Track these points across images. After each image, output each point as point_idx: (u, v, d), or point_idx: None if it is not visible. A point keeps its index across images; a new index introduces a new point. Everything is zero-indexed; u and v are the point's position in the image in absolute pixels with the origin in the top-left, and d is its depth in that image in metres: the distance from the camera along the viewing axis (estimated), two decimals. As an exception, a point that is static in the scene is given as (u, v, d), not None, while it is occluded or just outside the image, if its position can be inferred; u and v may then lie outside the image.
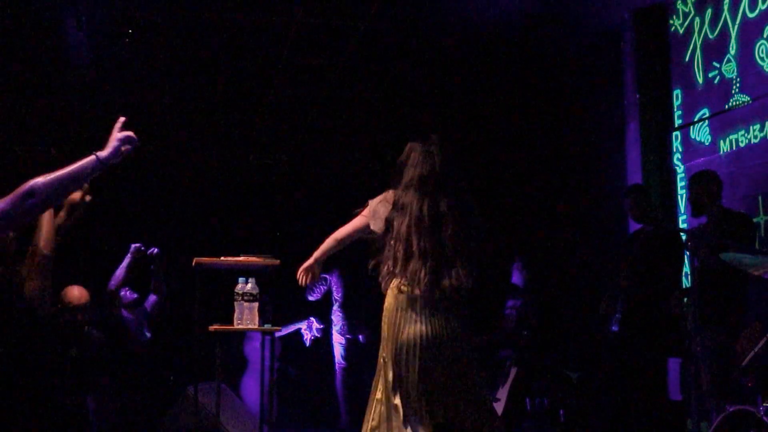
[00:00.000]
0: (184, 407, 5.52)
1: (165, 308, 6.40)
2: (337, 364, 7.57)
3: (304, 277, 3.73)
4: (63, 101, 7.53)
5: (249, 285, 4.42)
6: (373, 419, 3.36)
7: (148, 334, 6.14)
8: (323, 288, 7.63)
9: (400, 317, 3.34)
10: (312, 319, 7.89)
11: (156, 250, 6.14)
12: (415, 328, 3.30)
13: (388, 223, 3.43)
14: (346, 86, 7.62)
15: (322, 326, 7.83)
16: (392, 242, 3.39)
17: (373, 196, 3.53)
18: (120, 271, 5.90)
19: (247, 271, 4.51)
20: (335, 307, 7.57)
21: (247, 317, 4.39)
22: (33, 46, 6.47)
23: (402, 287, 3.36)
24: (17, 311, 3.37)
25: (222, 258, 4.58)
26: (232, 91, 7.71)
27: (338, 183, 8.50)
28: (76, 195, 3.88)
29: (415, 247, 3.32)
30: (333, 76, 7.36)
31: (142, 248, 5.99)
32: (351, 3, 6.06)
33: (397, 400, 3.30)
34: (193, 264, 4.57)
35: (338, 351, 7.52)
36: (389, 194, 3.50)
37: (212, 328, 4.43)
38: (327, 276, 7.54)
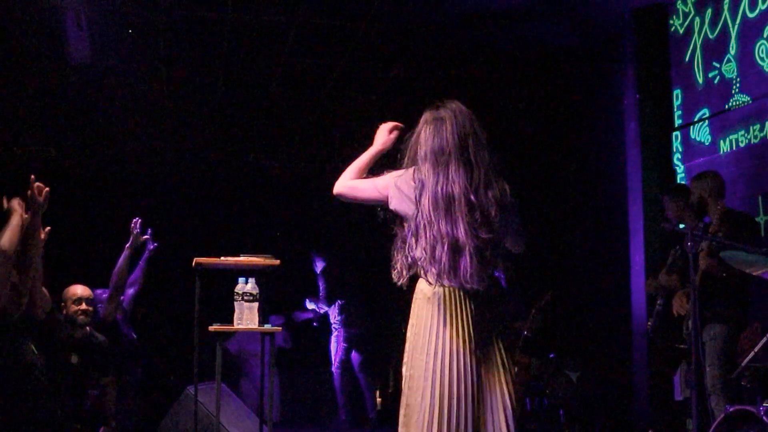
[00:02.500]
0: (184, 407, 5.51)
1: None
2: (334, 366, 7.71)
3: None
4: (63, 101, 7.53)
5: (249, 285, 4.41)
6: None
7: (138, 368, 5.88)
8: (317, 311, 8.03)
9: (432, 321, 2.82)
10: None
11: (152, 243, 5.83)
12: (445, 333, 2.79)
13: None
14: (346, 86, 7.61)
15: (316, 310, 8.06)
16: (418, 225, 2.87)
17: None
18: (121, 261, 5.46)
19: (247, 271, 4.51)
20: (335, 324, 7.79)
21: (247, 317, 4.39)
22: (33, 46, 6.47)
23: (430, 281, 2.84)
24: None
25: (222, 258, 4.58)
26: (232, 91, 7.71)
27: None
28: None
29: (438, 232, 2.82)
30: (333, 76, 7.36)
31: (138, 230, 5.55)
32: (351, 3, 6.06)
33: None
34: (193, 264, 4.57)
35: (337, 356, 7.77)
36: (410, 171, 3.01)
37: (212, 328, 4.42)
38: (327, 309, 7.89)
